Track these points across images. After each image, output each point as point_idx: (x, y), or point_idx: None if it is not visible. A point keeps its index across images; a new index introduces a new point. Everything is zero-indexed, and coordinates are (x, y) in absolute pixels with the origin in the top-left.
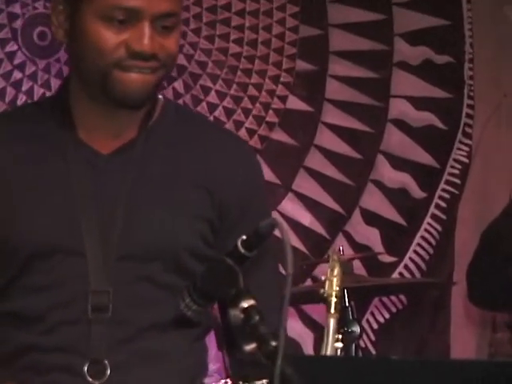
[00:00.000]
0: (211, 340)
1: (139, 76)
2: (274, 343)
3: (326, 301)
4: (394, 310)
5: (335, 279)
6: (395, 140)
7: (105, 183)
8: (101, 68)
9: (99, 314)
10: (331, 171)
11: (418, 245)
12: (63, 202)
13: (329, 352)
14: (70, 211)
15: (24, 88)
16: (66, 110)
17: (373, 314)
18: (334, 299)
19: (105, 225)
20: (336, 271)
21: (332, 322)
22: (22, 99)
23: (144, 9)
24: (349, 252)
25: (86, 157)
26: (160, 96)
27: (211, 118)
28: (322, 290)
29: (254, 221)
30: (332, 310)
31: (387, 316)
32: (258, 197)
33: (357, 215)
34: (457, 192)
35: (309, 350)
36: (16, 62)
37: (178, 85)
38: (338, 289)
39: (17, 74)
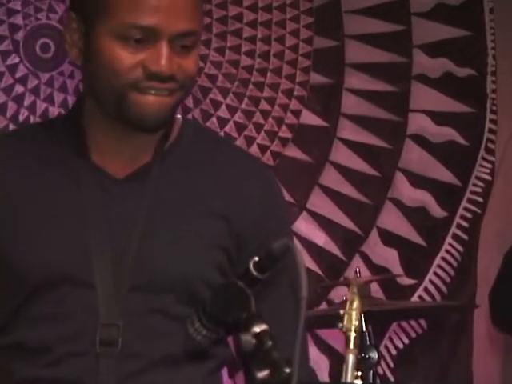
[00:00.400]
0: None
1: (156, 98)
2: (287, 370)
3: (344, 335)
4: (413, 334)
5: (354, 313)
6: (414, 156)
7: (118, 211)
8: (116, 89)
9: (108, 347)
10: (347, 189)
11: (439, 266)
12: (74, 230)
13: None
14: (81, 239)
15: (26, 102)
16: (80, 132)
17: (391, 340)
18: (353, 334)
19: (117, 255)
20: (355, 304)
21: (351, 358)
22: (23, 114)
23: (162, 28)
24: (366, 274)
25: (99, 182)
26: (179, 115)
27: (221, 134)
28: (340, 325)
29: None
30: (351, 346)
31: (406, 341)
32: (279, 225)
33: (374, 235)
34: (479, 211)
35: (324, 376)
36: (18, 75)
37: (187, 99)
38: (357, 323)
39: (18, 88)
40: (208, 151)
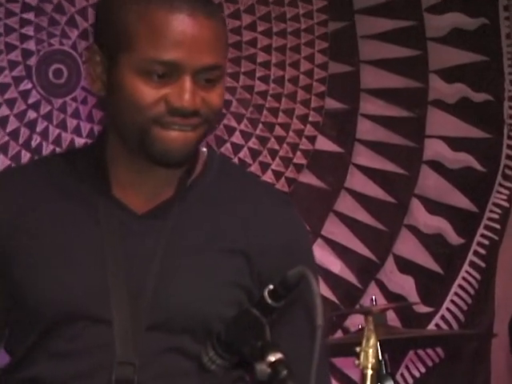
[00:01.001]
0: None
1: (180, 134)
2: None
3: (361, 372)
4: (430, 363)
5: (371, 350)
6: (431, 183)
7: (137, 247)
8: (139, 124)
9: None
10: (363, 216)
11: (456, 294)
12: (92, 265)
13: None
14: (99, 275)
15: (39, 128)
16: (102, 165)
17: (408, 368)
18: (369, 372)
19: (134, 292)
20: (372, 341)
21: None
22: (36, 140)
23: (185, 62)
24: (382, 302)
25: (119, 217)
26: (204, 148)
27: (235, 160)
28: (357, 362)
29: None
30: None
31: (423, 370)
32: (304, 265)
33: (390, 262)
34: (496, 238)
35: None
36: (30, 101)
37: None
38: (374, 361)
39: (31, 114)
40: (232, 187)
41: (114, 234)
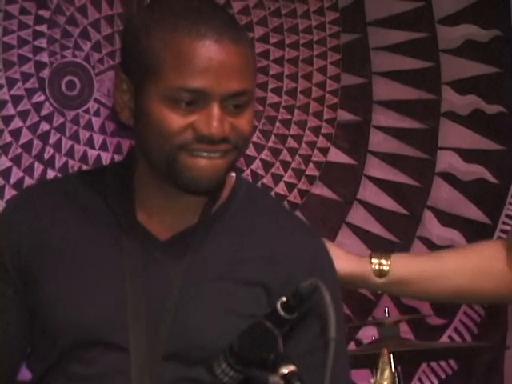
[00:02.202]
0: None
1: (208, 161)
2: None
3: None
4: (443, 376)
5: (386, 383)
6: (443, 194)
7: (158, 275)
8: (167, 152)
9: None
10: (375, 227)
11: (469, 306)
12: (112, 292)
13: None
14: (119, 302)
15: (51, 140)
16: (129, 190)
17: (421, 381)
18: None
19: (153, 321)
20: (386, 373)
21: None
22: (49, 152)
23: (212, 90)
24: (395, 314)
25: (141, 242)
26: (233, 173)
27: (248, 171)
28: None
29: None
30: None
31: (436, 382)
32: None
33: None
34: None
35: None
36: (43, 113)
37: None
38: None
39: (44, 126)
40: (257, 216)
41: (137, 261)
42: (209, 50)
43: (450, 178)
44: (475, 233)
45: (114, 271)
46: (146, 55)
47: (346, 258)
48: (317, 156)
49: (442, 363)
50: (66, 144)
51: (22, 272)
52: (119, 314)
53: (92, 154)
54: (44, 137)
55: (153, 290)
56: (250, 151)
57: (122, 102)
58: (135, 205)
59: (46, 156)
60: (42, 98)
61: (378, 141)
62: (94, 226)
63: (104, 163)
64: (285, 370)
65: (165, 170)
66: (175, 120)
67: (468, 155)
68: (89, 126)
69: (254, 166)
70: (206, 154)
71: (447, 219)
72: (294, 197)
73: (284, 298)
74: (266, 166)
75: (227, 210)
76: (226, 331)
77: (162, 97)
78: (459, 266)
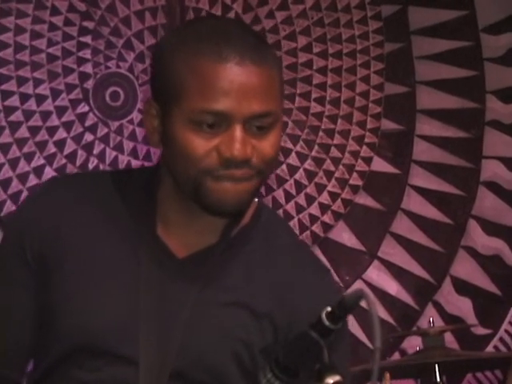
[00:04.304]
0: None
1: (233, 185)
2: None
3: None
4: None
5: None
6: (488, 204)
7: (172, 292)
8: (192, 177)
9: None
10: (419, 237)
11: None
12: (124, 301)
13: None
14: (130, 313)
15: (95, 151)
16: (153, 204)
17: None
18: None
19: (163, 337)
20: None
21: None
22: (93, 162)
23: (233, 112)
24: (439, 324)
25: (159, 257)
26: (256, 199)
27: (291, 181)
28: None
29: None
30: None
31: None
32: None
33: (447, 284)
34: None
35: None
36: (87, 123)
37: None
38: None
39: (88, 137)
40: (275, 248)
41: (152, 275)
42: (230, 73)
43: (494, 186)
44: None
45: (129, 282)
46: (170, 79)
47: None
48: (360, 165)
49: (488, 373)
50: (110, 154)
51: (39, 263)
52: (130, 325)
53: (136, 164)
54: (88, 147)
55: (165, 306)
56: (294, 161)
57: (152, 127)
58: (156, 218)
59: (90, 166)
60: (86, 108)
61: (421, 150)
62: (114, 230)
63: None
64: (330, 380)
65: (191, 193)
66: (199, 144)
67: None
68: (133, 137)
69: (297, 176)
70: (230, 180)
71: (492, 228)
72: (337, 206)
73: (329, 308)
74: (310, 175)
75: (247, 235)
76: (227, 357)
77: (186, 120)
78: None
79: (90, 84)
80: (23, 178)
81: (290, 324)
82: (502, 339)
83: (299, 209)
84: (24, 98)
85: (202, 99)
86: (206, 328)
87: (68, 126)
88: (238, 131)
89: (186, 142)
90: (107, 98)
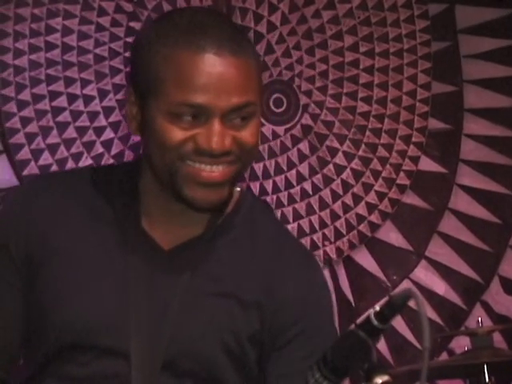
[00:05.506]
0: None
1: (209, 174)
2: None
3: None
4: None
5: None
6: None
7: (160, 284)
8: (168, 164)
9: None
10: (467, 237)
11: None
12: (113, 296)
13: None
14: (120, 307)
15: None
16: (135, 197)
17: None
18: None
19: (154, 329)
20: None
21: None
22: None
23: (212, 105)
24: (488, 324)
25: (145, 250)
26: (238, 188)
27: (338, 181)
28: None
29: (314, 344)
30: None
31: None
32: (320, 319)
33: (496, 284)
34: None
35: None
36: None
37: (304, 146)
38: None
39: (135, 137)
40: (259, 235)
41: (140, 268)
42: (208, 64)
43: None
44: None
45: (117, 276)
46: (148, 70)
47: None
48: (407, 165)
49: None
50: None
51: (25, 263)
52: (120, 319)
53: None
54: (135, 148)
55: (154, 298)
56: (341, 160)
57: (131, 115)
58: (140, 211)
59: None
60: None
61: (469, 149)
62: (99, 226)
63: None
64: (379, 380)
65: (167, 182)
66: (177, 133)
67: None
68: None
69: (344, 176)
70: (208, 168)
71: None
72: (384, 206)
73: (377, 308)
74: (357, 175)
75: (231, 223)
76: (216, 347)
77: (165, 112)
78: None
79: None
80: None
81: (276, 311)
82: None
83: (346, 208)
84: (72, 98)
85: (180, 92)
86: (194, 318)
87: (115, 126)
88: (216, 124)
89: (163, 131)
90: None
